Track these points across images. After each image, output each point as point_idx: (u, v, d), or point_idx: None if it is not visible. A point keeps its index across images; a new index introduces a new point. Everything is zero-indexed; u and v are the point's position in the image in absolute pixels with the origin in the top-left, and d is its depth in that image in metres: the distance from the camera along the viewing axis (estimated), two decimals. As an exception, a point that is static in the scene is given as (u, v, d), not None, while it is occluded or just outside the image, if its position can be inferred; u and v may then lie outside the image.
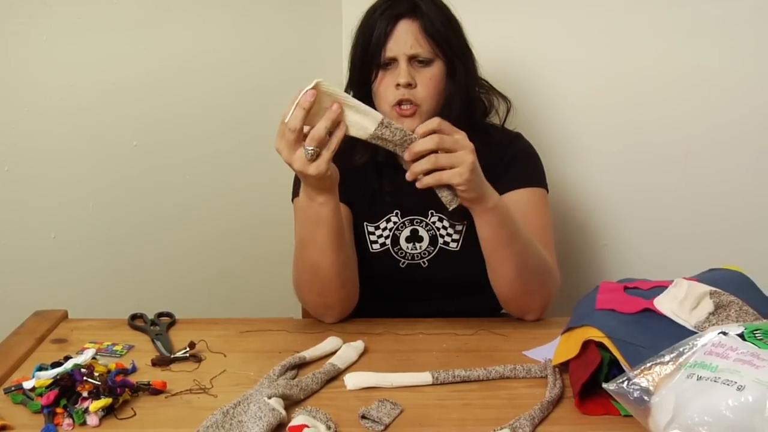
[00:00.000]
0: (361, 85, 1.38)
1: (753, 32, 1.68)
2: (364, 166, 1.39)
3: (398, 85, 1.31)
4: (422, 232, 1.40)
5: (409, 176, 1.14)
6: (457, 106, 1.36)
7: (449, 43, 1.35)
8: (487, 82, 1.46)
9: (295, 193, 1.42)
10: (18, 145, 1.57)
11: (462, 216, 1.39)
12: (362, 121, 1.10)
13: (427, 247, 1.40)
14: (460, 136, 1.13)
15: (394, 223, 1.41)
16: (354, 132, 1.11)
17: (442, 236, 1.40)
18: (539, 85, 1.81)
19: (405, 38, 1.32)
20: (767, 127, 1.73)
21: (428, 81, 1.33)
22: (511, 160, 1.42)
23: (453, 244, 1.40)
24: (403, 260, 1.40)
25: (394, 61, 1.33)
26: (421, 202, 1.41)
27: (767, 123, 1.73)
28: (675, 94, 1.75)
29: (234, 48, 1.83)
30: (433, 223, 1.40)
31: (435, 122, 1.12)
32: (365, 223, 1.41)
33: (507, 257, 1.24)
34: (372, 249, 1.40)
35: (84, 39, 1.61)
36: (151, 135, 1.74)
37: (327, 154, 1.09)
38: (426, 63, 1.33)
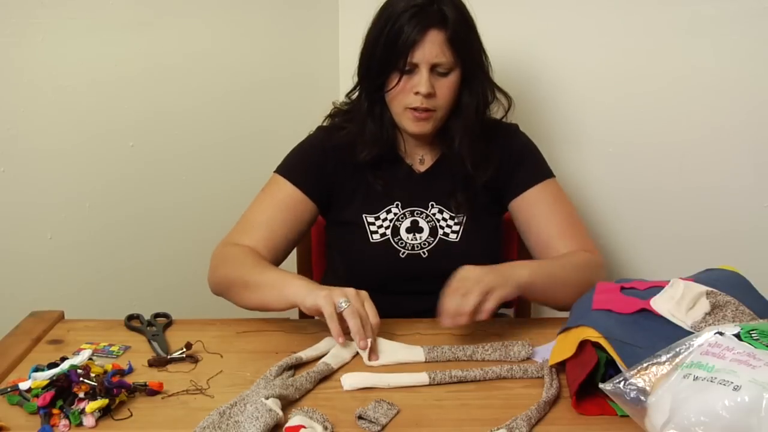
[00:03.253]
0: (376, 90, 1.37)
1: (750, 32, 1.68)
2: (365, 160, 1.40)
3: (417, 93, 1.32)
4: (422, 223, 1.41)
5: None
6: (473, 110, 1.38)
7: (470, 52, 1.35)
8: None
9: (283, 170, 1.42)
10: (14, 146, 1.56)
11: (462, 208, 1.40)
12: (411, 351, 1.18)
13: (427, 237, 1.40)
14: (471, 297, 1.17)
15: (395, 214, 1.41)
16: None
17: (442, 227, 1.41)
18: (535, 86, 1.81)
19: (431, 48, 1.30)
20: (764, 128, 1.73)
21: (446, 89, 1.34)
22: (520, 156, 1.44)
23: (453, 235, 1.40)
24: (403, 250, 1.40)
25: (414, 67, 1.32)
26: (421, 193, 1.42)
27: (764, 124, 1.73)
28: (671, 96, 1.75)
29: (231, 49, 1.82)
30: (434, 214, 1.41)
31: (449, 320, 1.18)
32: (364, 215, 1.41)
33: (560, 295, 1.27)
34: (372, 239, 1.41)
35: (80, 39, 1.60)
36: (148, 135, 1.74)
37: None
38: (446, 73, 1.33)
